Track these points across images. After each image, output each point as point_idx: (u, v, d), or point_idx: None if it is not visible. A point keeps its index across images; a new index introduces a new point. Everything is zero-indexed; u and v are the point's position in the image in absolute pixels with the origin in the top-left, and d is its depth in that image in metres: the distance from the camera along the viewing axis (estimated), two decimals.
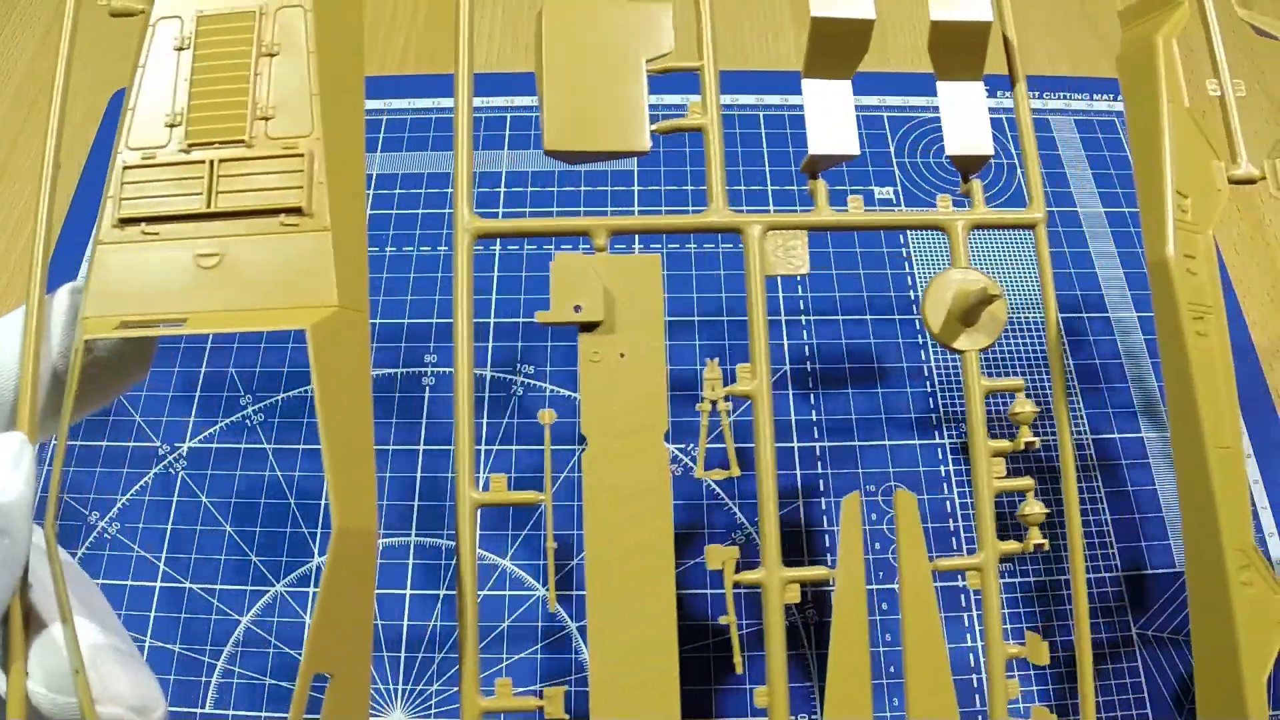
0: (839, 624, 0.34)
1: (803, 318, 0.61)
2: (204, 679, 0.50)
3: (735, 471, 0.35)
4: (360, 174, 0.33)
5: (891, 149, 0.69)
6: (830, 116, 0.36)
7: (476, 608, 0.33)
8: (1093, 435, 0.58)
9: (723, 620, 0.33)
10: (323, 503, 0.54)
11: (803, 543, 0.54)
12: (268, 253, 0.31)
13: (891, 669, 0.50)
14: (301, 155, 0.32)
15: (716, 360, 0.34)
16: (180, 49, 0.33)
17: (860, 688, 0.34)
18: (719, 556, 0.34)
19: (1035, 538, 0.36)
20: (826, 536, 0.54)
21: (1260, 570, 0.34)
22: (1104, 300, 0.63)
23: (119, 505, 0.55)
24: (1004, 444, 0.36)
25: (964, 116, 0.37)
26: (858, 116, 0.68)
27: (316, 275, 0.31)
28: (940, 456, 0.56)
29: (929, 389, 0.59)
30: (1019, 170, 0.67)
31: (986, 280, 0.35)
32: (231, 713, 0.49)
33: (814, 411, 0.58)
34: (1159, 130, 0.35)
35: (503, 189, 0.65)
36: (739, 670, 0.33)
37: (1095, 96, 0.73)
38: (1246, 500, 0.34)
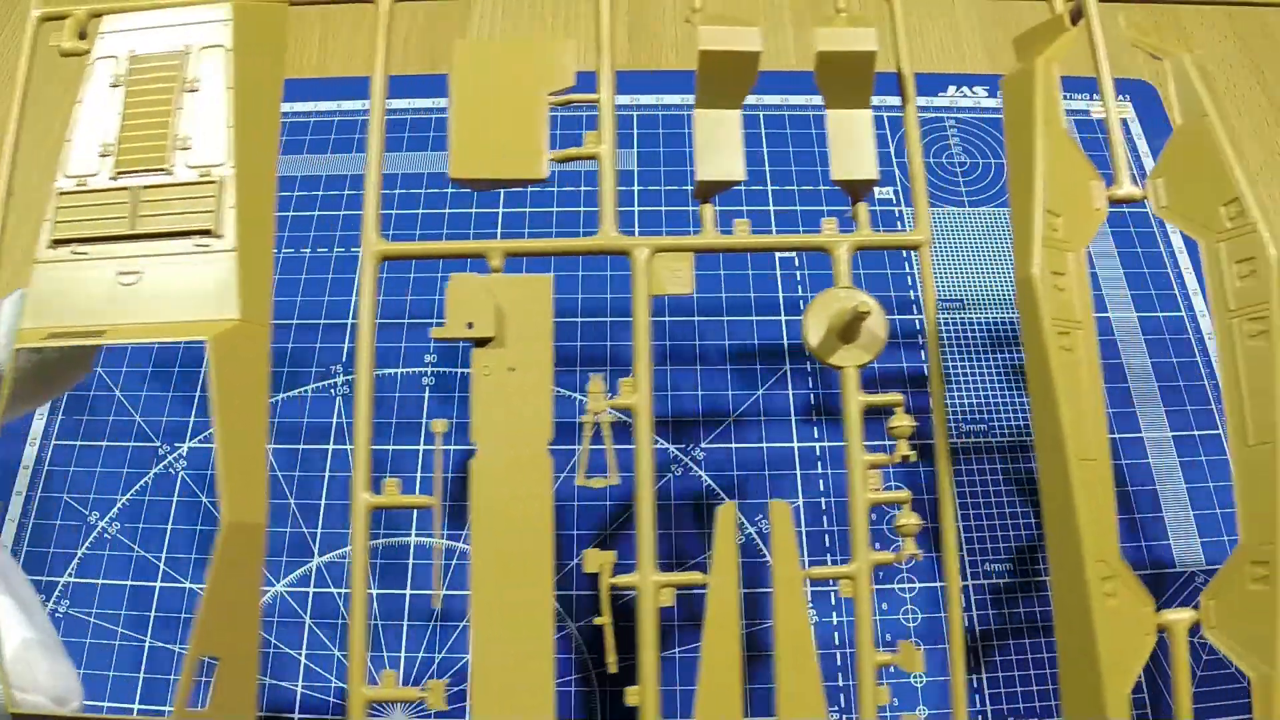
0: (710, 628, 0.35)
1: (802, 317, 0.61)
2: (204, 679, 0.51)
3: (614, 480, 0.37)
4: (270, 199, 0.36)
5: (891, 149, 0.69)
6: (719, 145, 0.37)
7: (366, 602, 0.35)
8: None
9: (597, 621, 0.35)
10: (323, 503, 0.55)
11: (802, 543, 0.54)
12: (180, 271, 0.35)
13: (892, 669, 0.50)
14: (214, 182, 0.35)
15: (601, 376, 0.35)
16: (115, 86, 0.36)
17: (731, 691, 0.35)
18: (596, 560, 0.35)
19: (909, 549, 0.36)
20: (826, 537, 0.55)
21: (1126, 582, 0.34)
22: (1104, 300, 0.63)
23: (119, 505, 0.55)
24: (881, 457, 0.36)
25: (851, 143, 0.38)
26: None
27: (222, 292, 0.34)
28: None
29: (929, 389, 0.59)
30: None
31: (864, 298, 0.36)
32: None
33: (814, 411, 0.59)
34: (1032, 151, 0.35)
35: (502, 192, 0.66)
36: (612, 670, 0.34)
37: (1094, 97, 0.70)
38: (1112, 511, 0.35)
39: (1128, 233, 0.66)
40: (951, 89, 0.73)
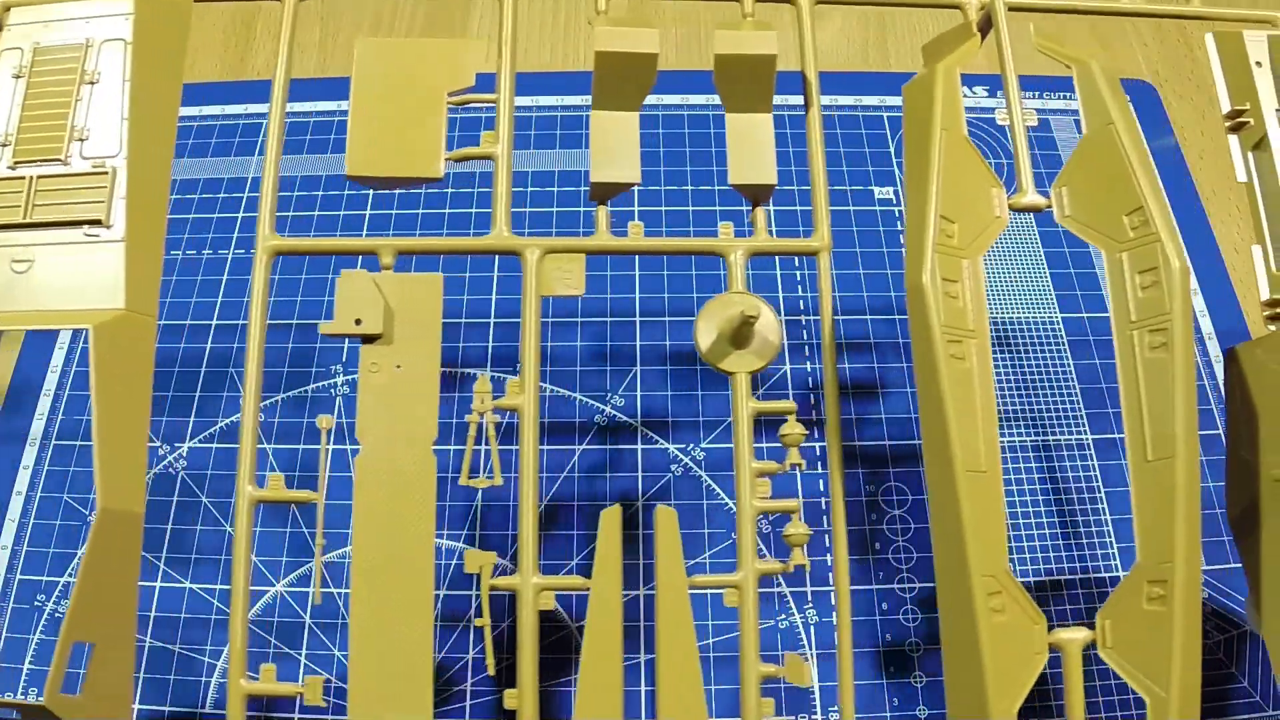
0: (592, 630, 0.34)
1: (803, 318, 0.61)
2: (204, 679, 0.50)
3: (498, 480, 0.36)
4: (163, 191, 0.36)
5: (891, 149, 0.68)
6: (615, 147, 0.36)
7: (248, 596, 0.34)
8: (1094, 435, 0.57)
9: (477, 623, 0.34)
10: (322, 503, 0.54)
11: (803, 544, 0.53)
12: (70, 261, 0.34)
13: (892, 669, 0.50)
14: (106, 173, 0.35)
15: (487, 374, 0.35)
16: (18, 77, 0.36)
17: (611, 691, 0.34)
18: (477, 561, 0.35)
19: (798, 558, 0.35)
20: (826, 537, 0.53)
21: (1015, 597, 0.33)
22: (1104, 300, 0.62)
23: None
24: (770, 465, 0.35)
25: (750, 147, 0.37)
26: (859, 117, 0.70)
27: (109, 281, 0.34)
28: None
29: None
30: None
31: (755, 303, 0.35)
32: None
33: (814, 412, 0.58)
34: (929, 156, 0.34)
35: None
36: (490, 672, 0.33)
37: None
38: (1002, 525, 0.33)
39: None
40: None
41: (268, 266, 0.36)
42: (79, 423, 0.57)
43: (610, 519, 0.35)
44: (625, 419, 0.57)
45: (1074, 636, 0.33)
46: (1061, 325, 0.61)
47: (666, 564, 0.35)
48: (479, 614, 0.34)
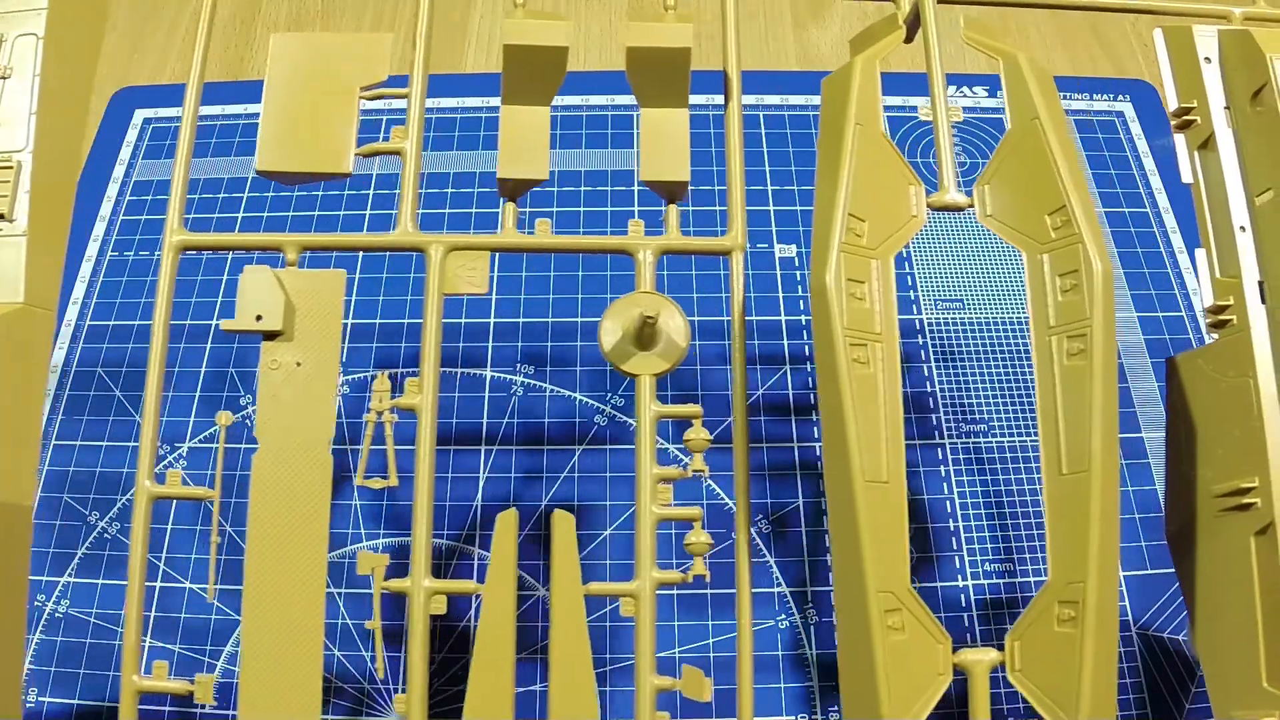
0: (484, 634, 0.33)
1: (803, 318, 0.60)
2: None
3: (393, 481, 0.34)
4: (70, 187, 0.35)
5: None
6: (524, 142, 0.35)
7: (143, 593, 0.33)
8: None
9: (368, 625, 0.32)
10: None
11: (802, 543, 0.53)
12: None
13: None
14: (11, 167, 0.34)
15: (386, 373, 0.33)
16: None
17: (502, 693, 0.32)
18: (369, 562, 0.33)
19: (698, 568, 0.33)
20: (826, 537, 0.53)
21: (916, 615, 0.31)
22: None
23: (119, 505, 0.54)
24: (672, 470, 0.33)
25: (664, 143, 0.35)
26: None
27: (9, 275, 0.33)
28: (940, 456, 0.55)
29: (929, 388, 0.58)
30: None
31: (656, 305, 0.33)
32: (231, 713, 0.47)
33: (814, 412, 0.57)
34: (840, 152, 0.32)
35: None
36: (380, 675, 0.32)
37: (1095, 96, 0.71)
38: (903, 539, 0.31)
39: (1128, 233, 0.64)
40: (951, 89, 0.71)
41: (175, 262, 0.35)
42: (79, 422, 0.57)
43: (505, 523, 0.33)
44: (625, 419, 0.56)
45: (980, 658, 0.31)
46: None
47: (561, 570, 0.33)
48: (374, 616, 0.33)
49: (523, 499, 0.53)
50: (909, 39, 0.36)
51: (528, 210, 0.35)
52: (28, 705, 0.48)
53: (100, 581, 0.52)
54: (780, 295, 0.61)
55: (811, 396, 0.57)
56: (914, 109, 0.69)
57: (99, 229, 0.63)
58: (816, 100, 0.70)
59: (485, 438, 0.55)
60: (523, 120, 0.35)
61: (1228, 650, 0.35)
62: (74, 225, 0.61)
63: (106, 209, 0.64)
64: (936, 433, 0.56)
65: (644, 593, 0.33)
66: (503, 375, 0.57)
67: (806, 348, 0.59)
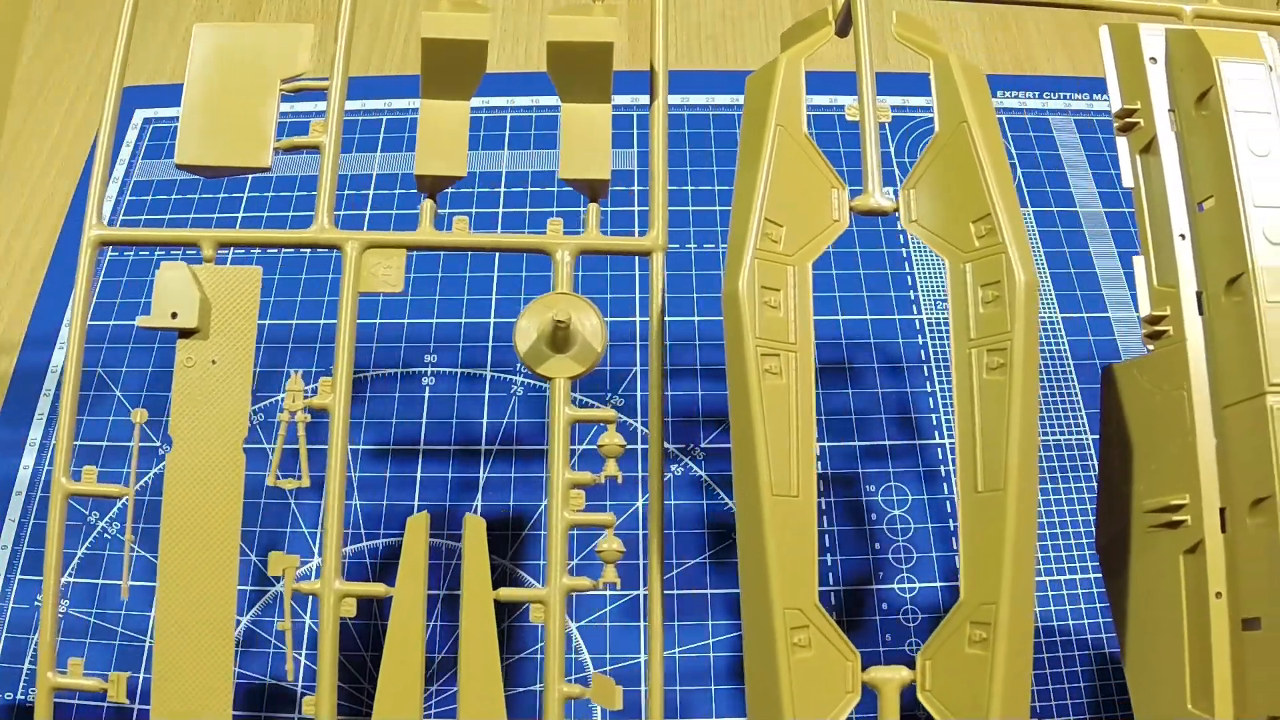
0: (394, 636, 0.31)
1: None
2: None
3: (305, 482, 0.33)
4: None
5: (892, 149, 0.65)
6: (443, 137, 0.33)
7: (59, 589, 0.32)
8: (1093, 436, 0.54)
9: (279, 626, 0.31)
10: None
11: None
12: None
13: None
14: None
15: (300, 373, 0.32)
16: None
17: (411, 694, 0.31)
18: (280, 563, 0.32)
19: (610, 576, 0.32)
20: (826, 537, 0.51)
21: (824, 632, 0.29)
22: (1104, 300, 0.59)
23: (119, 505, 0.52)
24: (584, 476, 0.32)
25: (585, 140, 0.33)
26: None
27: None
28: (940, 456, 0.53)
29: (929, 389, 0.56)
30: (1018, 171, 0.64)
31: (567, 308, 0.31)
32: (231, 713, 0.48)
33: (814, 411, 0.54)
34: (759, 153, 0.30)
35: (503, 189, 0.63)
36: (290, 678, 0.31)
37: (1095, 96, 0.68)
38: (812, 554, 0.29)
39: (1127, 233, 0.62)
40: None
41: (93, 258, 0.33)
42: (79, 423, 0.54)
43: (415, 527, 0.32)
44: (625, 419, 0.55)
45: (890, 676, 0.30)
46: (1062, 325, 0.58)
47: (472, 574, 0.32)
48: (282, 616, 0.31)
49: (526, 499, 0.52)
50: (841, 34, 0.33)
51: (446, 210, 0.34)
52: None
53: (100, 582, 0.50)
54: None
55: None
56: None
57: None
58: (817, 100, 0.69)
59: (485, 438, 0.53)
60: (442, 115, 0.33)
61: (1154, 670, 0.34)
62: (74, 226, 0.60)
63: (106, 209, 0.61)
64: (936, 432, 0.54)
65: (553, 600, 0.31)
66: (503, 375, 0.56)
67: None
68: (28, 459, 0.54)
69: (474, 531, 0.32)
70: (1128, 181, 0.35)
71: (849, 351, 0.57)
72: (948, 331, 0.57)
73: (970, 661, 0.29)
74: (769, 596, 0.28)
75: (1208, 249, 0.33)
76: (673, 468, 0.53)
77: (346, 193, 0.62)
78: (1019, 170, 0.64)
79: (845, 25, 0.33)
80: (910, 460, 0.53)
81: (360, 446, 0.53)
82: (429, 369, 0.56)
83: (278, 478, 0.34)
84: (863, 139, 0.31)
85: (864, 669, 0.30)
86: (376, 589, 0.32)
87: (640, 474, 0.53)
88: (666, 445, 0.53)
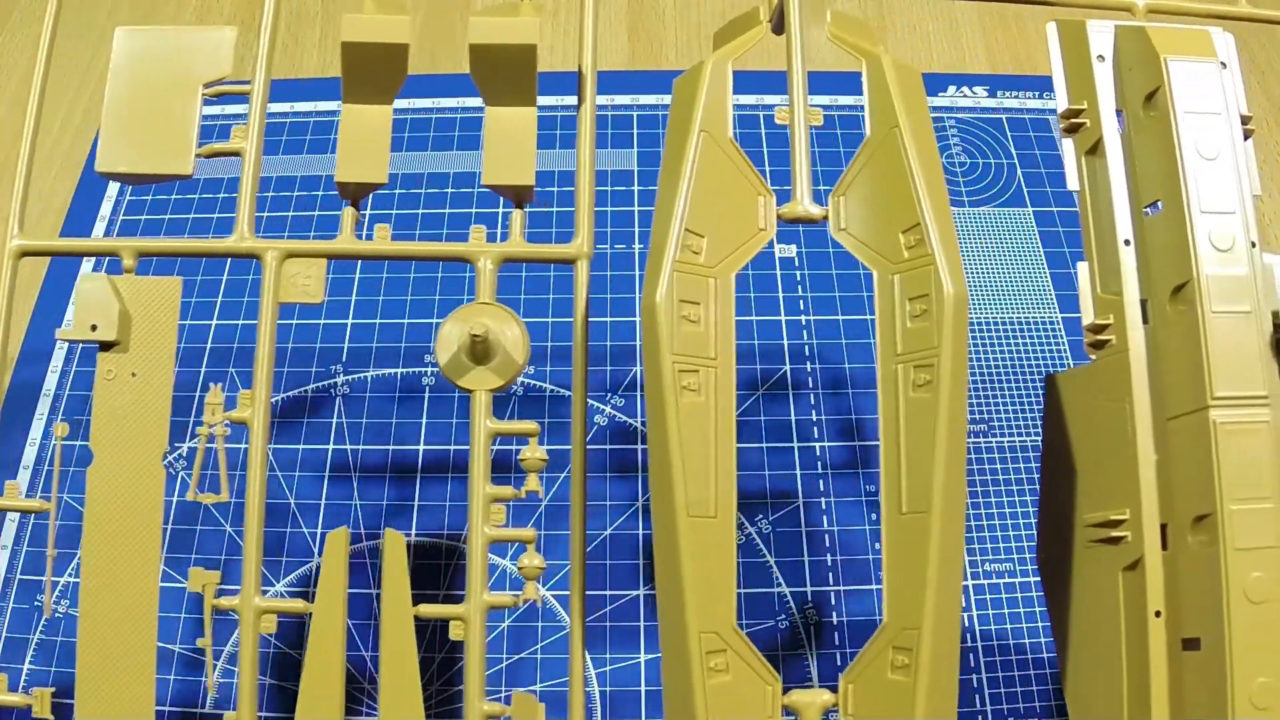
0: (314, 651, 0.31)
1: (803, 318, 0.57)
2: (204, 679, 0.45)
3: (225, 496, 0.31)
4: None
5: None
6: (364, 143, 0.31)
7: None
8: None
9: (199, 643, 0.30)
10: (322, 503, 0.51)
11: (803, 543, 0.50)
12: None
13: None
14: None
15: (220, 386, 0.30)
16: None
17: (332, 707, 0.30)
18: (200, 580, 0.31)
19: (530, 593, 0.30)
20: (826, 537, 0.50)
21: (743, 656, 0.28)
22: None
23: None
24: (505, 490, 0.30)
25: (509, 144, 0.31)
26: (859, 117, 0.63)
27: None
28: None
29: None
30: (1018, 171, 0.62)
31: (501, 318, 0.30)
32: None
33: (814, 411, 0.54)
34: (682, 162, 0.28)
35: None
36: (211, 692, 0.30)
37: None
38: (731, 575, 0.28)
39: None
40: (951, 89, 0.67)
41: (14, 269, 0.32)
42: (79, 423, 0.54)
43: (335, 542, 0.31)
44: (625, 419, 0.53)
45: (811, 700, 0.28)
46: (1062, 325, 0.57)
47: (392, 589, 0.30)
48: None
49: (528, 499, 0.50)
50: (778, 31, 0.32)
51: (368, 212, 0.32)
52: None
53: None
54: (780, 295, 0.59)
55: (812, 398, 0.55)
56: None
57: (99, 229, 0.60)
58: (817, 100, 0.66)
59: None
60: (363, 120, 0.32)
61: (1092, 688, 0.32)
62: (74, 226, 0.60)
63: (106, 209, 0.61)
64: None
65: (473, 616, 0.30)
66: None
67: (807, 348, 0.56)
68: (28, 458, 0.52)
69: (394, 547, 0.31)
70: (1073, 184, 0.33)
71: (849, 352, 0.56)
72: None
73: (893, 687, 0.27)
74: (684, 620, 0.27)
75: (1153, 255, 0.31)
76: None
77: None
78: (1019, 170, 0.63)
79: (781, 23, 0.31)
80: None
81: (365, 446, 0.52)
82: (429, 369, 0.55)
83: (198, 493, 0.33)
84: (792, 144, 0.30)
85: (785, 693, 0.28)
86: (296, 605, 0.31)
87: (640, 474, 0.52)
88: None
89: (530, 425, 0.31)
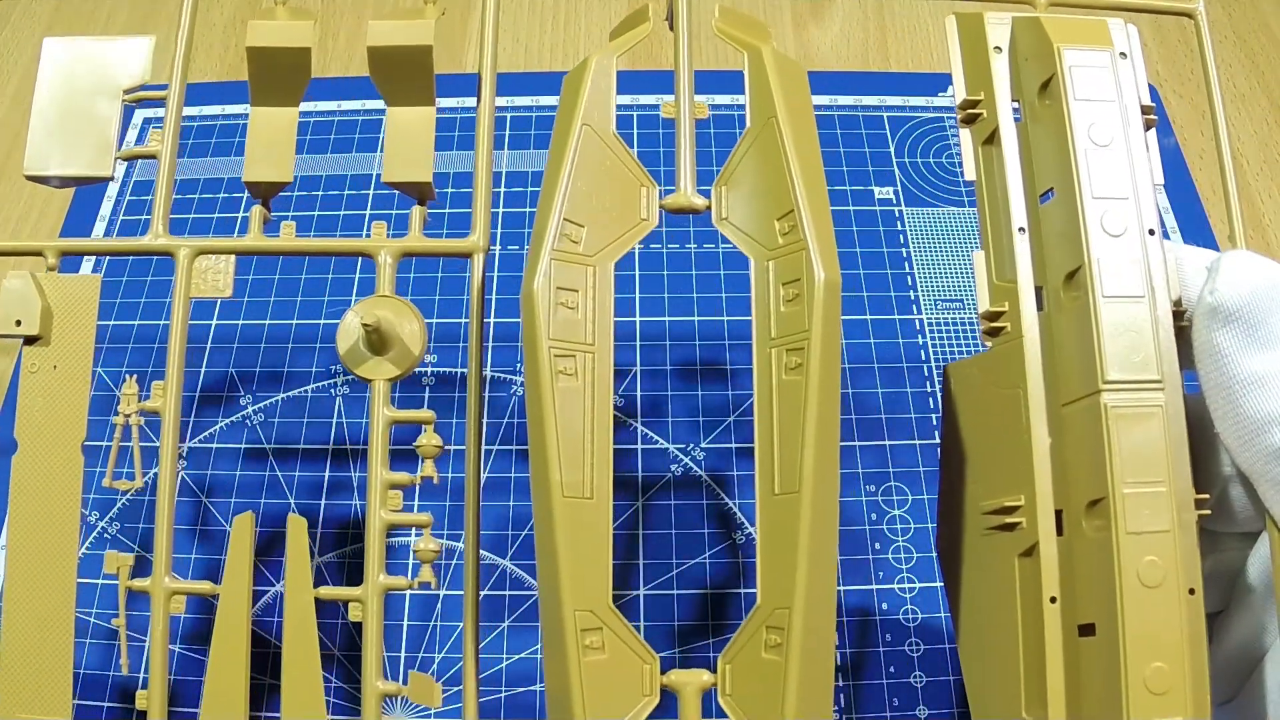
0: (220, 635, 0.31)
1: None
2: (204, 679, 0.48)
3: (139, 484, 0.33)
4: None
5: (891, 149, 0.64)
6: (271, 144, 0.32)
7: None
8: None
9: (114, 624, 0.31)
10: (323, 502, 0.52)
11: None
12: None
13: (892, 669, 0.47)
14: None
15: (135, 377, 0.31)
16: None
17: (236, 694, 0.31)
18: (115, 562, 0.32)
19: (425, 576, 0.31)
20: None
21: (619, 634, 0.28)
22: None
23: (119, 505, 0.51)
24: (402, 476, 0.31)
25: (408, 143, 0.32)
26: (859, 117, 0.64)
27: None
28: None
29: (929, 388, 0.55)
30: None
31: (399, 309, 0.30)
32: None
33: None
34: (564, 154, 0.29)
35: (502, 189, 0.62)
36: (125, 672, 0.31)
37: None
38: (606, 556, 0.28)
39: None
40: (951, 88, 0.67)
41: None
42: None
43: (241, 526, 0.32)
44: (625, 419, 0.54)
45: (689, 680, 0.28)
46: None
47: (294, 572, 0.31)
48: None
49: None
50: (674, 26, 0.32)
51: (290, 213, 0.33)
52: None
53: (100, 582, 0.49)
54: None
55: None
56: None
57: (99, 229, 0.61)
58: (817, 100, 0.67)
59: (486, 438, 0.53)
60: (270, 122, 0.33)
61: (990, 675, 0.32)
62: (74, 226, 0.62)
63: (106, 209, 0.63)
64: (936, 432, 0.53)
65: (370, 598, 0.31)
66: (503, 376, 0.55)
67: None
68: None
69: (296, 531, 0.31)
70: (970, 175, 0.33)
71: (849, 352, 0.56)
72: (949, 330, 0.56)
73: (767, 666, 0.27)
74: (559, 598, 0.27)
75: (1048, 243, 0.31)
76: (672, 468, 0.52)
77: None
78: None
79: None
80: (910, 460, 0.52)
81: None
82: (429, 369, 0.55)
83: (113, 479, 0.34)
84: (677, 135, 0.30)
85: (664, 672, 0.28)
86: (204, 587, 0.31)
87: (640, 473, 0.52)
88: (667, 446, 0.53)
89: (426, 414, 0.31)
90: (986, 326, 0.32)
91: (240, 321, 0.58)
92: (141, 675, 0.41)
